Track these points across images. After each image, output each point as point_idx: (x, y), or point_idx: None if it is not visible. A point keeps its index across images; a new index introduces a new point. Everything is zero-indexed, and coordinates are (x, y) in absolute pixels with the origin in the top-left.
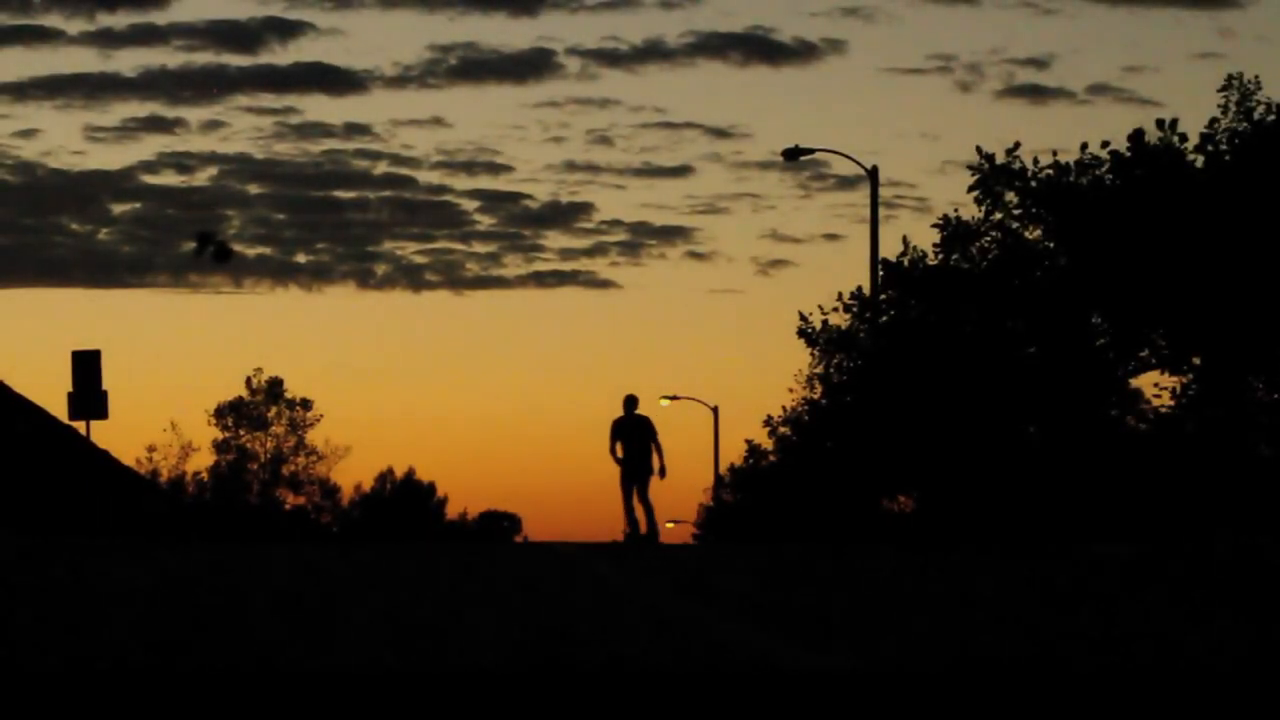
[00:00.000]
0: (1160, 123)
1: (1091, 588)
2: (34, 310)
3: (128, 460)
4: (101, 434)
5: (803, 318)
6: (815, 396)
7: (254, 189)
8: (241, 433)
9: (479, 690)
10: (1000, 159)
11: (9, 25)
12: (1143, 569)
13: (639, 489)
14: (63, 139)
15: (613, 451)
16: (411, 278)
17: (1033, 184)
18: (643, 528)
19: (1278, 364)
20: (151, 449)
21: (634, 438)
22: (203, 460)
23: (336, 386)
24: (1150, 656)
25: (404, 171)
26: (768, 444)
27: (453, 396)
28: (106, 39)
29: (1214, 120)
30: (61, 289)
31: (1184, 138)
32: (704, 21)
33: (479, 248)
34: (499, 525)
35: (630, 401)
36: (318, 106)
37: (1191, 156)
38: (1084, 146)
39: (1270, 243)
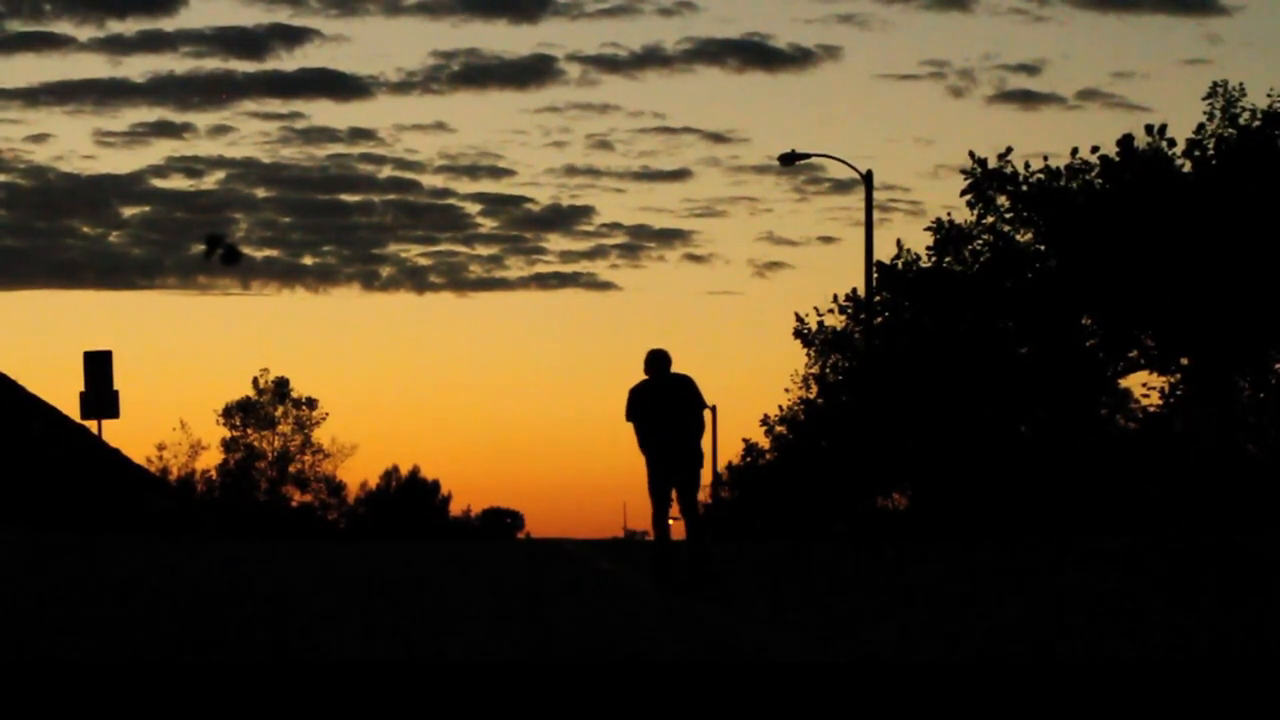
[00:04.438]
0: (1149, 128)
1: (1080, 581)
2: (46, 312)
3: (138, 458)
4: (112, 433)
5: (799, 319)
6: (811, 396)
7: (261, 193)
8: (249, 431)
9: (482, 684)
10: (992, 163)
11: (20, 32)
12: (1131, 563)
13: (679, 488)
14: (73, 143)
15: (638, 434)
16: (416, 279)
17: (1024, 188)
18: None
19: (1264, 364)
20: (161, 447)
21: (667, 411)
22: (211, 458)
23: (342, 386)
24: (1135, 649)
25: (408, 175)
26: (765, 443)
27: (456, 396)
28: (116, 45)
29: (1201, 126)
30: (73, 291)
31: (1172, 143)
32: (701, 28)
33: (481, 250)
34: (502, 522)
35: (658, 360)
36: (323, 112)
37: (1180, 161)
38: (1074, 151)
39: (1257, 246)
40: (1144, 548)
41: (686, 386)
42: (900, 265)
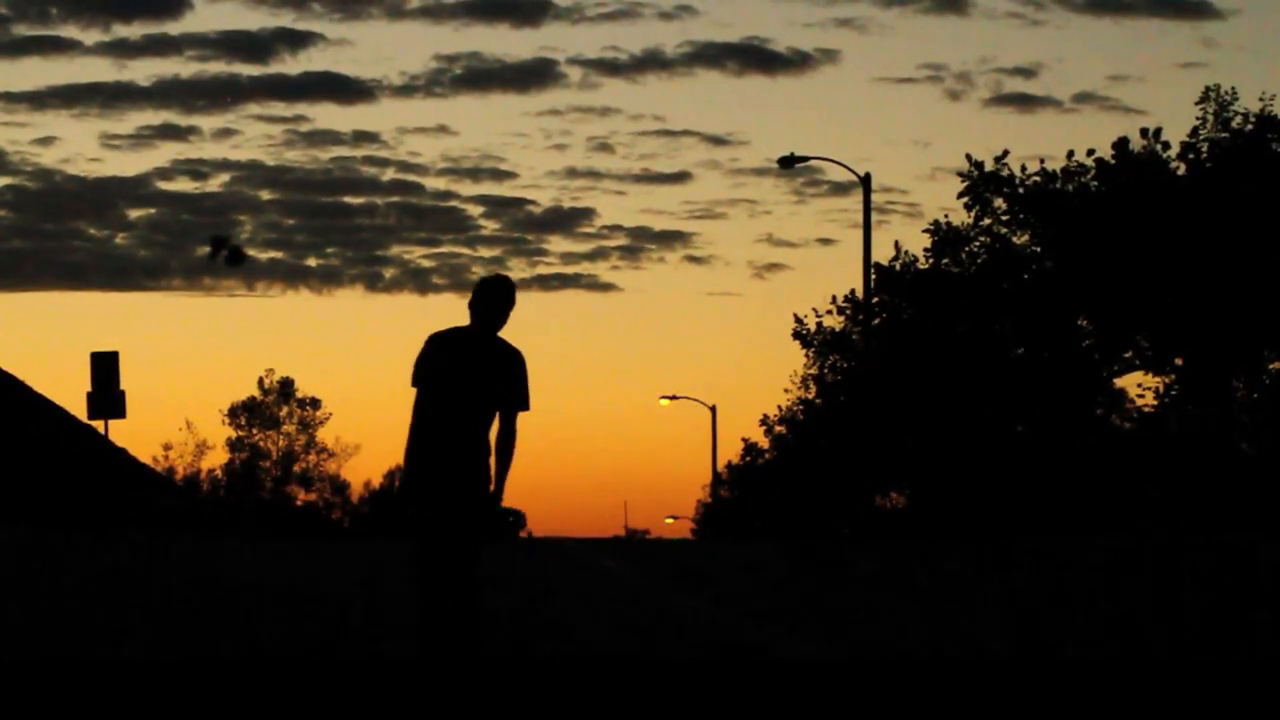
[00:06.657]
0: (1144, 131)
1: (1076, 580)
2: (53, 313)
3: (144, 458)
4: (119, 433)
5: (798, 320)
6: (810, 396)
7: (265, 195)
8: (254, 431)
9: (484, 682)
10: (989, 166)
11: (27, 36)
12: (1125, 563)
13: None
14: (80, 146)
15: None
16: (419, 281)
17: (1020, 190)
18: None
19: (1259, 365)
20: (167, 447)
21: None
22: (217, 458)
23: (346, 386)
24: (1129, 647)
25: (411, 178)
26: (764, 442)
27: None
28: (122, 49)
29: (1195, 129)
30: (80, 292)
31: (1167, 146)
32: (701, 32)
33: (484, 252)
34: (503, 521)
35: (496, 294)
36: (327, 115)
37: (1174, 164)
38: (1070, 154)
39: (1251, 248)
40: (1140, 547)
41: (514, 365)
42: (898, 267)
